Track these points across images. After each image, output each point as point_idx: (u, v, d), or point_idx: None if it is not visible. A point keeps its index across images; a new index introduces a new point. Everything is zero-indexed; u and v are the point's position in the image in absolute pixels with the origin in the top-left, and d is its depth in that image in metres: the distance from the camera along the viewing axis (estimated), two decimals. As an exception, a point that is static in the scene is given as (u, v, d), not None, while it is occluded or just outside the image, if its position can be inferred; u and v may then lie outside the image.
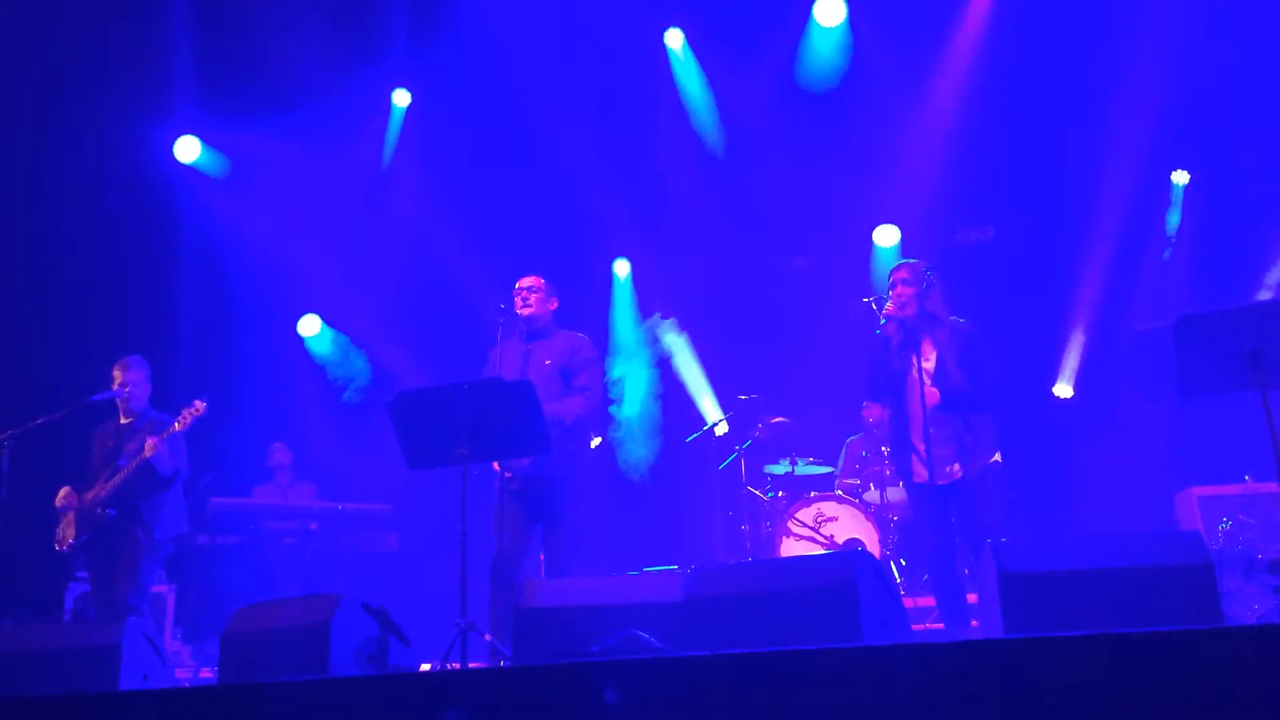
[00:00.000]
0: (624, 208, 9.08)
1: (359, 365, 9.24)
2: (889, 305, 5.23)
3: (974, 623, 5.08)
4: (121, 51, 8.06)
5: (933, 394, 5.05)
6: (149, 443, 5.60)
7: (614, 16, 8.35)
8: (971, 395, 5.11)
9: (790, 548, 7.22)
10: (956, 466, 5.11)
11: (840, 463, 8.02)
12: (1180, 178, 8.65)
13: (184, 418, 5.72)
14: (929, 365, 5.17)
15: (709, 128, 8.98)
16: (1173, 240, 8.42)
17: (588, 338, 5.82)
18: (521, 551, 5.35)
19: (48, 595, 7.14)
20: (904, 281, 5.27)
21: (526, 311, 5.56)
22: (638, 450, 8.70)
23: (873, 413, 7.95)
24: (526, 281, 5.63)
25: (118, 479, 5.66)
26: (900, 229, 8.99)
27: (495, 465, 5.28)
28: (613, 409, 8.51)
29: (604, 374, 5.76)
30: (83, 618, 6.74)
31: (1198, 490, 7.02)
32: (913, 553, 7.38)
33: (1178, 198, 8.53)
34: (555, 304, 5.69)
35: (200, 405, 5.75)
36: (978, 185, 8.66)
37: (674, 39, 8.82)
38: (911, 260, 5.45)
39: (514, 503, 5.33)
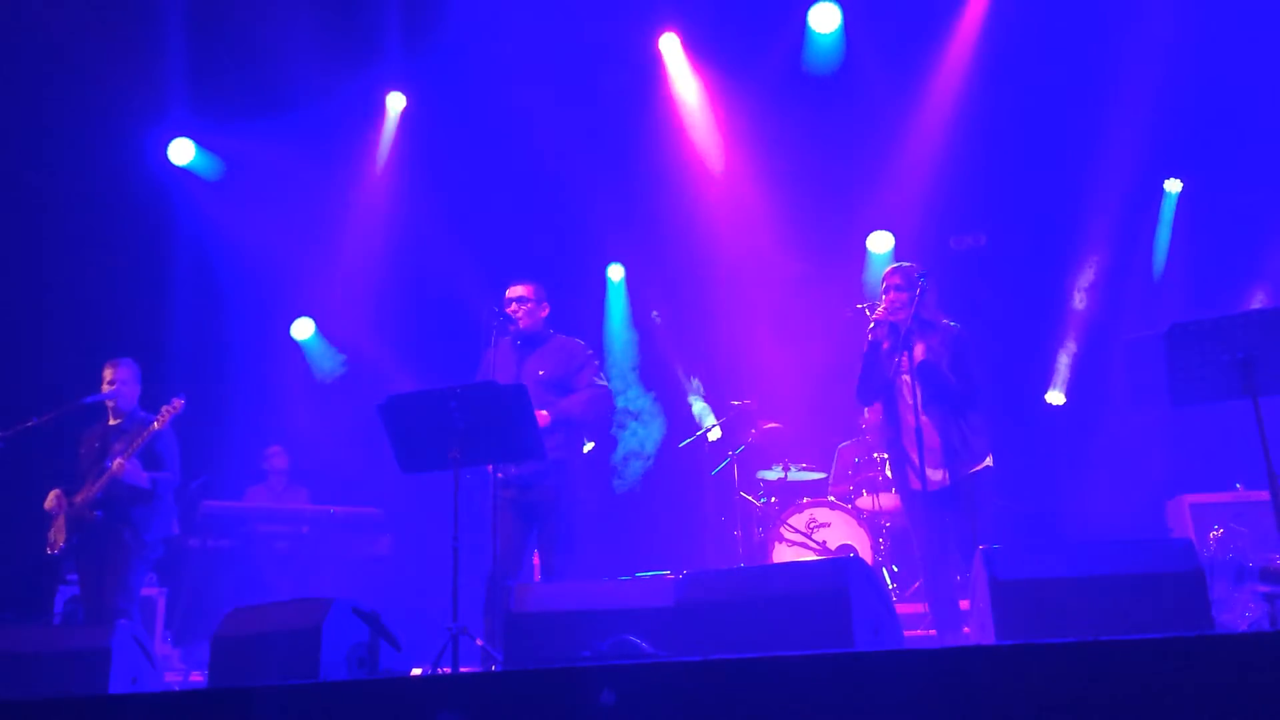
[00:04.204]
0: (618, 212, 9.08)
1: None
2: (879, 309, 5.24)
3: (965, 629, 5.08)
4: (116, 54, 8.04)
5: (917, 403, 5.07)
6: (116, 462, 5.57)
7: (609, 21, 8.35)
8: (954, 389, 5.11)
9: (782, 554, 7.21)
10: (947, 472, 5.12)
11: (833, 469, 8.03)
12: (1173, 186, 8.68)
13: (163, 416, 5.70)
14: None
15: (703, 133, 8.99)
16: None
17: (583, 343, 5.79)
18: (517, 557, 5.33)
19: (37, 599, 7.11)
20: (896, 287, 5.28)
21: (521, 326, 5.53)
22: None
23: (872, 416, 7.96)
24: (515, 292, 5.58)
25: (102, 482, 5.64)
26: (894, 235, 9.01)
27: (490, 468, 5.26)
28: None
29: (601, 374, 5.70)
30: (72, 621, 6.71)
31: (1189, 498, 7.04)
32: (905, 559, 7.39)
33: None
34: (546, 310, 5.65)
35: (178, 403, 5.74)
36: (971, 192, 8.68)
37: (669, 44, 8.83)
38: (905, 264, 5.45)
39: (509, 508, 5.31)
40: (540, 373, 5.45)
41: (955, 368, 5.17)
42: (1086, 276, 8.55)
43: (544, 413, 5.22)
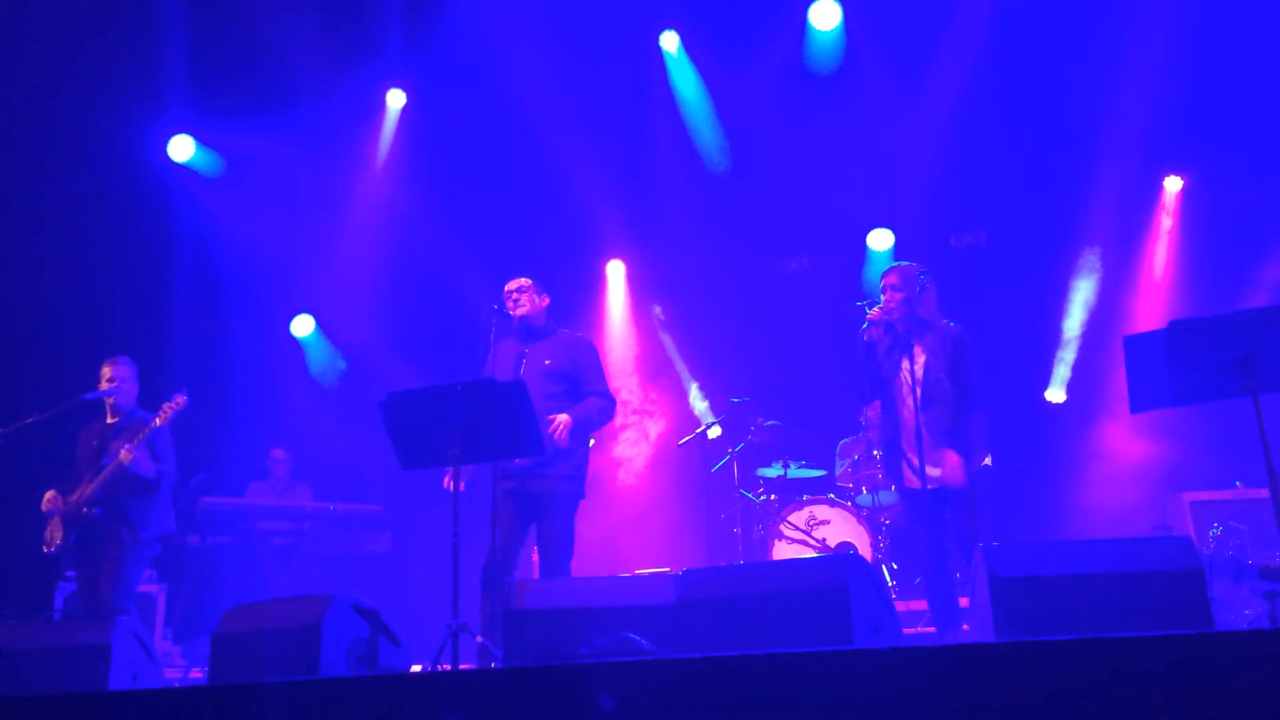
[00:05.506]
0: (618, 209, 9.08)
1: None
2: (874, 309, 5.24)
3: (965, 626, 5.09)
4: (116, 50, 8.04)
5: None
6: (124, 451, 5.57)
7: (610, 17, 8.35)
8: (951, 395, 5.12)
9: (782, 551, 7.22)
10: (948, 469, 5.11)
11: (836, 465, 8.01)
12: (1173, 183, 8.68)
13: (164, 412, 5.68)
14: (918, 370, 5.17)
15: (704, 130, 8.99)
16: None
17: (587, 338, 5.81)
18: (514, 553, 5.33)
19: (37, 595, 7.11)
20: (893, 286, 5.27)
21: (520, 313, 5.53)
22: None
23: (873, 413, 7.95)
24: (514, 284, 5.59)
25: (101, 477, 5.64)
26: (894, 233, 9.01)
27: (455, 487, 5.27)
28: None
29: (606, 374, 5.72)
30: (72, 617, 6.71)
31: (1189, 495, 7.05)
32: (905, 556, 7.39)
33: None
34: (547, 300, 5.66)
35: (180, 399, 5.72)
36: (971, 190, 8.67)
37: (669, 41, 8.82)
38: (904, 263, 5.45)
39: (508, 503, 5.31)
40: (546, 362, 5.45)
41: (953, 368, 5.17)
42: (1088, 283, 8.55)
43: (566, 416, 5.24)
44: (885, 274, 5.37)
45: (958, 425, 5.12)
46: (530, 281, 5.62)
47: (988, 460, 5.16)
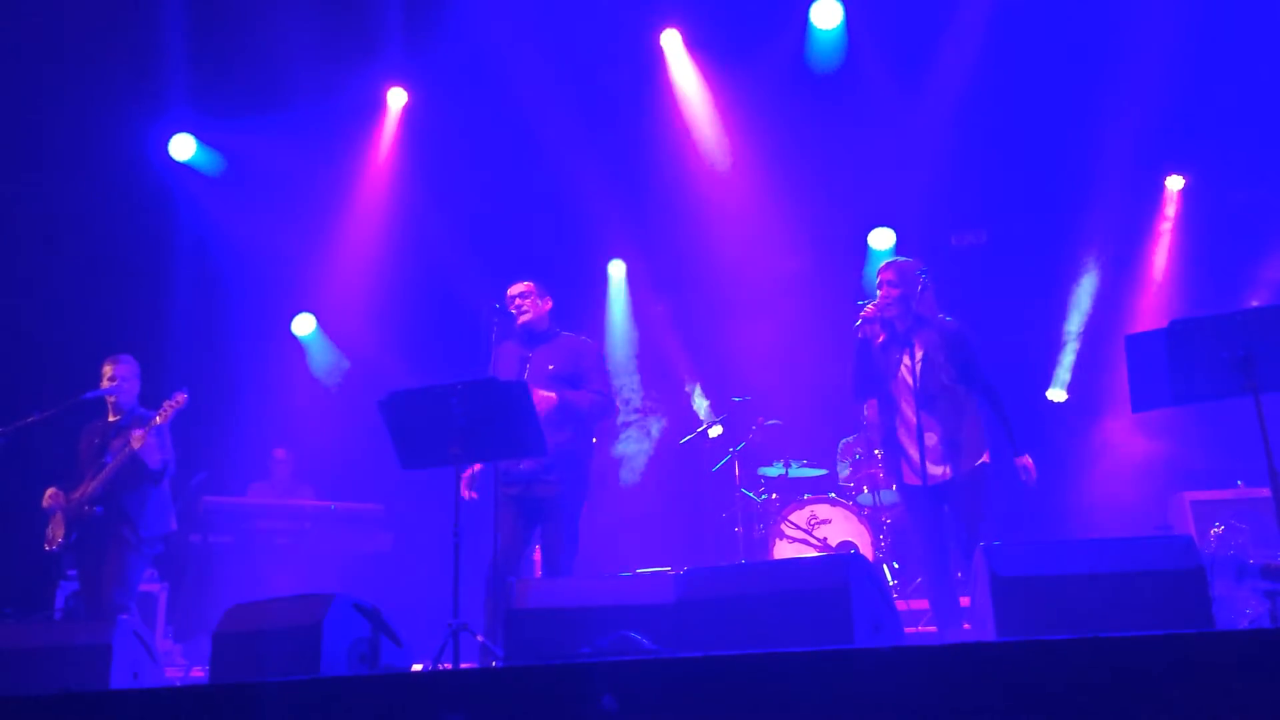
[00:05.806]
0: (619, 209, 9.08)
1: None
2: (869, 306, 5.22)
3: (966, 626, 5.09)
4: (117, 49, 8.03)
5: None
6: (135, 434, 5.57)
7: (610, 16, 8.34)
8: (953, 388, 5.11)
9: (783, 550, 7.22)
10: (946, 467, 5.11)
11: (843, 465, 8.00)
12: (1174, 183, 8.68)
13: (165, 410, 5.68)
14: (916, 366, 5.16)
15: (705, 129, 8.98)
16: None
17: (591, 340, 5.81)
18: (518, 553, 5.33)
19: (39, 594, 7.12)
20: (889, 283, 5.25)
21: (524, 319, 5.52)
22: None
23: (871, 412, 7.95)
24: (517, 289, 5.59)
25: (104, 474, 5.64)
26: (895, 232, 9.01)
27: (466, 488, 5.26)
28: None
29: (608, 376, 5.72)
30: (74, 616, 6.72)
31: (1190, 495, 7.05)
32: (906, 555, 7.39)
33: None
34: (549, 303, 5.66)
35: (181, 397, 5.72)
36: (972, 190, 8.67)
37: (670, 40, 8.82)
38: (900, 259, 5.42)
39: (511, 504, 5.31)
40: (550, 367, 5.45)
41: (954, 362, 5.16)
42: (1088, 282, 8.56)
43: (552, 394, 5.24)
44: (882, 269, 5.32)
45: (962, 421, 5.11)
46: (533, 285, 5.61)
47: (986, 457, 5.14)
